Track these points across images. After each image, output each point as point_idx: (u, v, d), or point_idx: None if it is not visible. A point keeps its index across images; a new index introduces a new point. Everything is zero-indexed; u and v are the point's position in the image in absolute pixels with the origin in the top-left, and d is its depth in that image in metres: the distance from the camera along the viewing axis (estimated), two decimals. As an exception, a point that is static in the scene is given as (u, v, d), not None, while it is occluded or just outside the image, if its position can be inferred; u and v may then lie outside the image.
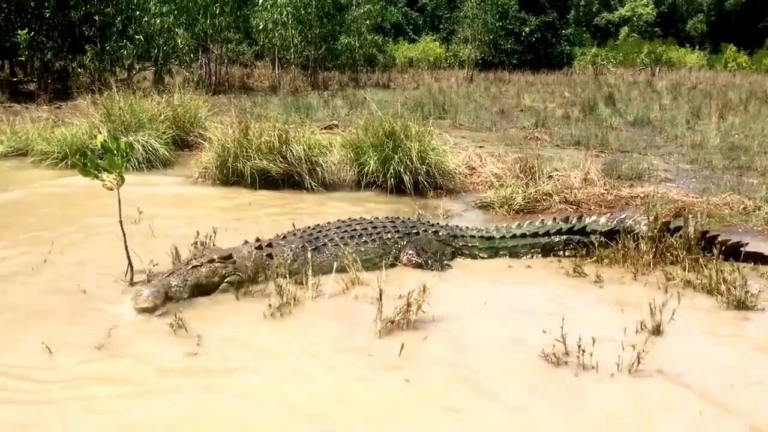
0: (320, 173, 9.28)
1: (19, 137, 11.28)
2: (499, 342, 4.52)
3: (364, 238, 5.89)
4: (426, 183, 8.94)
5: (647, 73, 34.48)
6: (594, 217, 6.50)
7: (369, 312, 4.71)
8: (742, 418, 3.68)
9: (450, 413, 3.67)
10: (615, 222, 6.31)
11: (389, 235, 5.99)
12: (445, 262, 6.07)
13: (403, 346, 4.26)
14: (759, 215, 7.37)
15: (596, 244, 6.13)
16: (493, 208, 8.16)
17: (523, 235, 6.33)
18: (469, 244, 6.27)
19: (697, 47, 49.85)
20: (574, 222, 6.36)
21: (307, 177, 9.13)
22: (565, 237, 6.29)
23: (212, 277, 5.01)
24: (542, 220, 6.61)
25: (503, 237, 6.32)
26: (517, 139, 13.14)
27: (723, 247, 5.86)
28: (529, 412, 3.71)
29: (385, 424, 3.57)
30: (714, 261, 5.64)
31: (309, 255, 5.37)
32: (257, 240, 5.66)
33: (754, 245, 6.45)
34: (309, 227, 6.04)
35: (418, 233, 6.15)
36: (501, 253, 6.25)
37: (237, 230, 6.80)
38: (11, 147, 11.17)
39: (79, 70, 18.69)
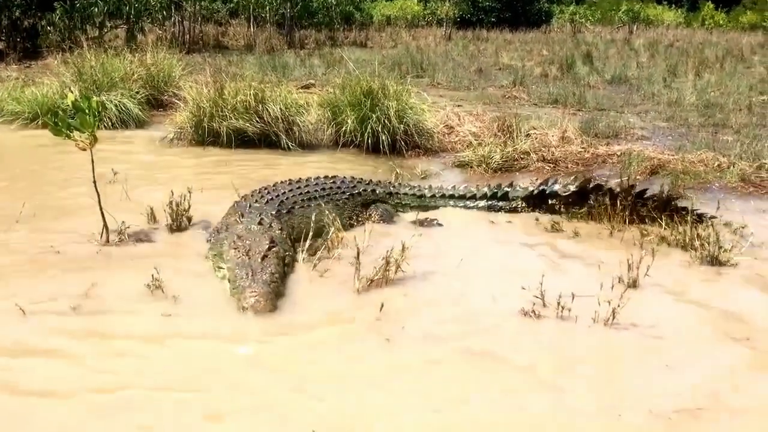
0: (297, 133, 9.19)
1: (-13, 97, 11.02)
2: (479, 298, 4.57)
3: (317, 200, 5.88)
4: (404, 142, 8.89)
5: (625, 31, 34.34)
6: (520, 184, 6.69)
7: (351, 271, 4.71)
8: (707, 369, 3.77)
9: (429, 365, 3.71)
10: (536, 187, 6.48)
11: (338, 196, 6.11)
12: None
13: (383, 305, 4.28)
14: (733, 172, 7.43)
15: (519, 210, 6.43)
16: (471, 167, 8.15)
17: (451, 197, 6.65)
18: (403, 201, 6.57)
19: (674, 5, 49.64)
20: (496, 189, 6.59)
21: (284, 137, 9.04)
22: (488, 202, 6.55)
23: (279, 264, 4.71)
24: (493, 186, 6.72)
25: (433, 196, 6.65)
26: (495, 98, 13.08)
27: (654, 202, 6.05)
28: (508, 365, 3.76)
29: (366, 382, 3.60)
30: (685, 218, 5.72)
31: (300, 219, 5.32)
32: (242, 215, 5.37)
33: (728, 202, 6.55)
34: (257, 191, 5.91)
35: (360, 193, 6.32)
36: (430, 210, 6.50)
37: (213, 191, 6.74)
38: (-21, 107, 10.91)
39: (48, 28, 18.21)
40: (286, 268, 4.81)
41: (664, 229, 5.70)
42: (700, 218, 5.97)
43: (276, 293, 4.39)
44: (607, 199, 6.09)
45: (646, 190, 6.17)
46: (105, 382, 3.49)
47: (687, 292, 4.79)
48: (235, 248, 4.76)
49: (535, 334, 4.10)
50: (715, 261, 5.17)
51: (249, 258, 4.62)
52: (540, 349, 3.95)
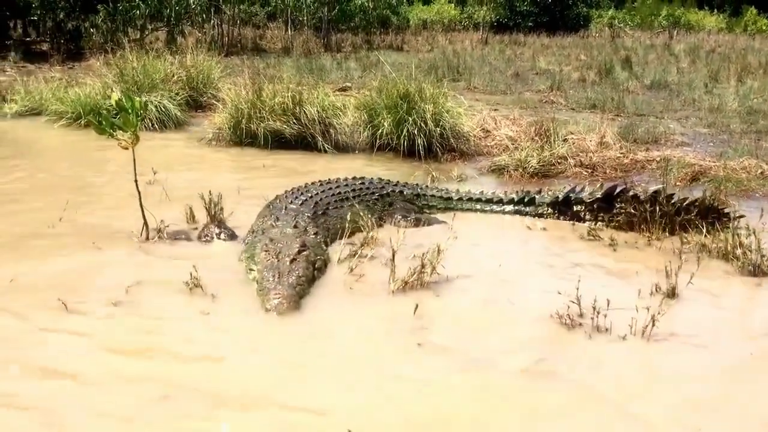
0: (333, 135, 9.25)
1: (33, 97, 11.34)
2: (513, 303, 4.52)
3: (349, 201, 5.96)
4: (440, 146, 8.87)
5: (665, 36, 33.85)
6: (545, 191, 6.66)
7: (385, 273, 4.71)
8: (752, 384, 3.68)
9: (464, 369, 3.69)
10: (561, 193, 6.43)
11: (368, 197, 6.20)
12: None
13: (417, 306, 4.28)
14: (777, 180, 7.28)
15: (545, 216, 6.44)
16: (507, 172, 8.10)
17: (478, 200, 6.67)
18: (430, 204, 6.61)
19: (716, 10, 48.78)
20: (523, 194, 6.60)
21: (320, 139, 9.10)
22: (515, 207, 6.56)
23: (308, 267, 4.77)
24: (520, 191, 6.75)
25: (460, 199, 6.69)
26: (532, 102, 13.00)
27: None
28: (541, 373, 3.73)
29: (398, 384, 3.60)
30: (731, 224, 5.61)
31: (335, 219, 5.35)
32: (276, 218, 5.41)
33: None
34: (289, 192, 5.98)
35: (388, 194, 6.39)
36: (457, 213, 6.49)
37: (251, 191, 6.82)
38: (25, 107, 11.24)
39: (91, 30, 18.60)
40: (316, 272, 4.84)
41: (705, 236, 5.59)
42: (726, 216, 5.89)
43: (300, 295, 4.44)
44: (632, 207, 6.00)
45: (673, 195, 6.06)
46: (144, 378, 3.55)
47: (727, 302, 4.70)
48: (266, 251, 4.83)
49: (569, 342, 4.06)
50: (758, 270, 5.05)
51: (278, 261, 4.69)
52: (575, 358, 3.91)
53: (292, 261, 4.68)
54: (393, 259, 4.64)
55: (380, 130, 9.02)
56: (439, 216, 6.42)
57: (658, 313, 4.02)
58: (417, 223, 6.16)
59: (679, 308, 4.43)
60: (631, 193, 6.12)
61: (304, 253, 4.82)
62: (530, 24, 34.78)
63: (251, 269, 4.82)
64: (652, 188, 6.20)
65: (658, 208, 5.87)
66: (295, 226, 5.19)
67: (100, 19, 18.47)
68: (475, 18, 36.15)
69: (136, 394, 3.40)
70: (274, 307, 4.26)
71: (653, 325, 4.02)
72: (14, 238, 5.55)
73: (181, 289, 4.54)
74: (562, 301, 4.27)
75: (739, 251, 5.19)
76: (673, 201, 5.93)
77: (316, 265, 4.88)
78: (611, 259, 5.45)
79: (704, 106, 12.48)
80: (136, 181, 5.44)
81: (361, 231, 5.48)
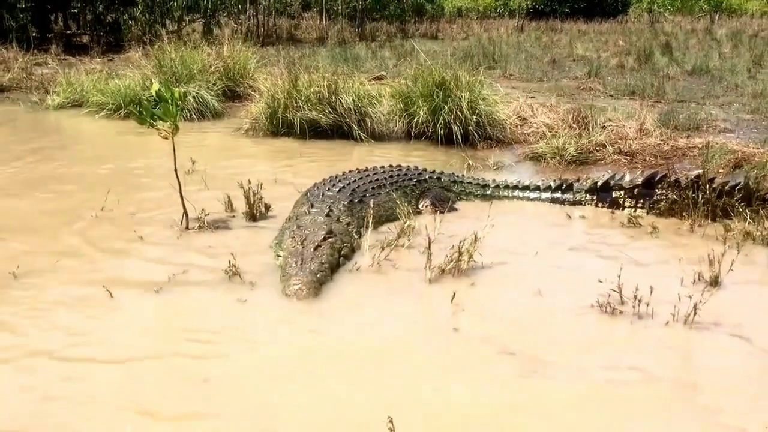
0: (369, 124, 9.26)
1: (74, 89, 11.56)
2: (554, 292, 4.49)
3: (387, 188, 5.99)
4: (476, 134, 8.82)
5: (706, 21, 33.10)
6: (584, 178, 6.58)
7: (422, 261, 4.72)
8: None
9: (504, 356, 3.68)
10: (601, 180, 6.34)
11: (405, 183, 6.21)
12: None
13: (454, 294, 4.27)
14: (824, 166, 7.07)
15: (584, 203, 6.40)
16: (544, 159, 8.02)
17: (515, 187, 6.67)
18: (467, 190, 6.60)
19: (760, -7, 47.53)
20: (561, 181, 6.56)
21: (356, 127, 9.12)
22: (552, 194, 6.52)
23: (333, 254, 4.81)
24: (558, 178, 6.72)
25: (497, 186, 6.69)
26: (570, 90, 12.83)
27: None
28: (581, 361, 3.70)
29: (436, 372, 3.60)
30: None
31: (370, 208, 5.35)
32: (312, 205, 5.43)
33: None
34: (327, 180, 5.99)
35: (425, 180, 6.40)
36: (494, 201, 6.49)
37: (288, 180, 6.87)
38: (67, 98, 11.46)
39: (130, 22, 18.88)
40: (342, 258, 4.87)
41: (749, 224, 5.47)
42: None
43: (321, 282, 4.47)
44: (673, 192, 5.91)
45: (713, 179, 5.95)
46: (184, 364, 3.61)
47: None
48: (292, 237, 4.89)
49: (610, 331, 4.01)
50: (803, 258, 4.94)
51: (303, 247, 4.73)
52: (616, 346, 3.87)
53: (316, 248, 4.72)
54: (429, 247, 4.63)
55: (416, 119, 9.01)
56: (477, 203, 6.39)
57: (701, 302, 3.96)
58: (446, 205, 6.18)
59: (722, 296, 4.35)
60: (672, 178, 6.02)
61: (330, 240, 4.86)
62: (567, 10, 34.32)
63: (278, 255, 4.89)
64: (694, 172, 6.09)
65: (699, 194, 5.76)
66: (328, 215, 5.22)
67: (139, 12, 18.76)
68: (510, 5, 35.81)
69: (176, 377, 3.47)
70: (294, 293, 4.32)
71: (695, 313, 3.95)
72: (57, 226, 5.68)
73: (221, 277, 4.60)
74: (603, 290, 4.22)
75: (784, 239, 5.08)
76: (714, 186, 5.82)
77: (342, 252, 4.91)
78: (652, 246, 5.38)
79: (747, 92, 12.19)
80: (176, 170, 5.52)
81: (398, 219, 5.49)
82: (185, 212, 5.53)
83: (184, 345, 3.81)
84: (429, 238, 4.67)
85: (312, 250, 4.70)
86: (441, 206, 6.12)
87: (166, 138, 5.42)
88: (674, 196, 5.93)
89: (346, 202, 5.52)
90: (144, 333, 3.94)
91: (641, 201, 6.14)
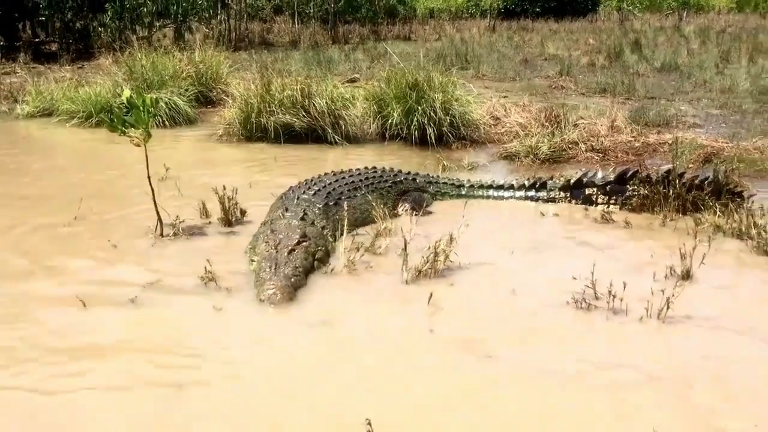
0: (344, 126, 9.26)
1: (44, 97, 11.40)
2: (528, 290, 4.52)
3: (363, 190, 6.00)
4: (450, 134, 8.86)
5: (674, 18, 33.55)
6: (557, 177, 6.69)
7: (398, 263, 4.73)
8: (762, 367, 3.68)
9: (481, 357, 3.70)
10: (574, 177, 6.44)
11: (381, 185, 6.23)
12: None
13: (431, 295, 4.29)
14: (791, 159, 7.23)
15: (557, 200, 6.47)
16: (518, 158, 8.09)
17: (490, 186, 6.72)
18: (442, 191, 6.65)
19: (726, -11, 48.29)
20: (535, 179, 6.65)
21: (331, 131, 9.11)
22: (526, 193, 6.60)
23: (307, 258, 4.80)
24: (532, 177, 6.82)
25: (471, 186, 6.75)
26: (542, 88, 12.94)
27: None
28: (557, 357, 3.74)
29: (414, 374, 3.62)
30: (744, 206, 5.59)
31: (345, 210, 5.34)
32: (286, 209, 5.41)
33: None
34: (303, 183, 6.00)
35: (401, 181, 6.42)
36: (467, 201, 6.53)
37: (263, 185, 6.85)
38: (37, 107, 11.30)
39: (99, 29, 18.68)
40: (316, 262, 4.86)
41: (719, 217, 5.56)
42: (740, 196, 5.89)
43: (296, 287, 4.45)
44: (645, 188, 6.00)
45: (683, 174, 6.07)
46: (159, 375, 3.58)
47: (742, 283, 4.68)
48: (266, 242, 4.87)
49: (587, 327, 4.06)
50: (772, 250, 5.04)
51: (277, 252, 4.72)
52: (592, 343, 3.92)
53: (290, 252, 4.71)
54: (405, 249, 4.65)
55: (390, 121, 9.03)
56: (452, 204, 6.43)
57: (673, 296, 4.01)
58: (422, 206, 6.25)
59: (694, 289, 4.42)
60: (644, 174, 6.12)
61: (304, 243, 4.86)
62: (538, 9, 34.55)
63: (252, 260, 4.86)
64: (664, 167, 6.18)
65: (670, 188, 5.85)
66: (303, 218, 5.21)
67: (108, 18, 18.55)
68: (482, 5, 36.00)
69: (149, 392, 3.43)
70: (268, 298, 4.30)
71: (668, 307, 4.01)
72: (28, 234, 5.61)
73: (196, 284, 4.57)
74: (578, 286, 4.27)
75: (753, 231, 5.17)
76: (684, 180, 5.92)
77: (317, 256, 4.90)
78: (625, 241, 5.45)
79: (716, 87, 12.39)
80: (149, 177, 5.47)
81: (375, 221, 5.50)
82: (159, 219, 5.49)
83: (158, 353, 3.78)
84: (405, 239, 4.68)
85: (286, 254, 4.68)
86: (418, 208, 6.15)
87: (139, 145, 5.37)
88: (646, 192, 6.02)
89: (321, 205, 5.51)
90: (118, 341, 3.91)
91: (614, 197, 6.22)
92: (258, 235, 5.17)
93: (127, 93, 5.28)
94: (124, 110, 5.36)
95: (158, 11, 19.61)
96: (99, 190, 6.96)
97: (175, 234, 5.47)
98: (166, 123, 10.24)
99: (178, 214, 5.59)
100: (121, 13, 18.76)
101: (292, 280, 4.47)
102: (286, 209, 5.38)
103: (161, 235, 5.47)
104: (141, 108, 5.22)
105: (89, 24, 19.16)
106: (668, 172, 6.01)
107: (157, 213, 5.47)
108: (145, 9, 19.04)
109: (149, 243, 5.39)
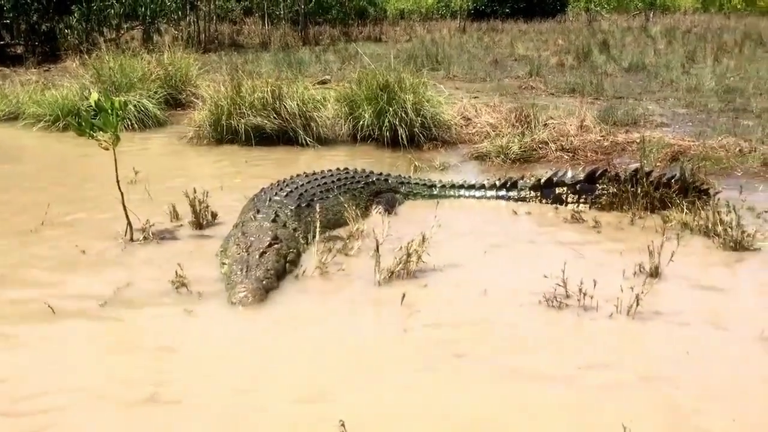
0: (315, 128, 9.23)
1: (9, 101, 11.23)
2: (500, 288, 4.56)
3: (335, 191, 6.00)
4: (421, 135, 8.88)
5: (641, 19, 34.01)
6: (527, 176, 6.78)
7: (371, 264, 4.73)
8: (731, 361, 3.74)
9: (454, 357, 3.72)
10: (544, 177, 6.51)
11: (353, 185, 6.24)
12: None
13: (404, 295, 4.30)
14: (755, 157, 7.37)
15: (528, 199, 6.52)
16: (489, 159, 8.13)
17: (461, 186, 6.78)
18: (414, 191, 6.68)
19: (691, -10, 49.13)
20: (506, 179, 6.71)
21: (302, 132, 9.08)
22: (498, 192, 6.66)
23: (279, 260, 4.78)
24: (503, 177, 6.87)
25: (443, 186, 6.79)
26: (512, 89, 13.03)
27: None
28: (530, 355, 3.77)
29: (388, 374, 3.62)
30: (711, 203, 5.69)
31: (317, 212, 5.32)
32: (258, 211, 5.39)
33: (751, 187, 6.50)
34: (275, 184, 5.98)
35: (374, 182, 6.46)
36: (440, 200, 6.56)
37: (234, 188, 6.81)
38: (2, 111, 11.12)
39: (66, 31, 18.39)
40: (288, 264, 4.85)
41: (686, 214, 5.66)
42: (706, 194, 6.00)
43: (267, 289, 4.44)
44: (614, 187, 6.09)
45: (650, 172, 6.15)
46: (130, 379, 3.54)
47: (709, 279, 4.76)
48: (237, 244, 4.84)
49: (558, 325, 4.10)
50: (738, 246, 5.13)
51: (248, 254, 4.69)
52: (564, 340, 3.96)
53: (261, 254, 4.69)
54: (377, 249, 4.65)
55: (361, 122, 9.02)
56: (424, 204, 6.45)
57: (642, 293, 4.07)
58: (395, 206, 6.32)
59: (663, 286, 4.49)
60: (612, 173, 6.20)
61: (275, 246, 4.84)
62: (507, 10, 34.78)
63: (223, 263, 4.83)
64: (632, 166, 6.27)
65: (639, 187, 5.94)
66: (274, 220, 5.19)
67: (75, 20, 18.26)
68: (452, 6, 36.11)
69: (119, 396, 3.39)
70: (239, 300, 4.28)
71: (638, 304, 4.07)
72: (-3, 243, 5.52)
73: (167, 288, 4.53)
74: (549, 285, 4.31)
75: (719, 228, 5.26)
76: (651, 179, 6.01)
77: (288, 258, 4.89)
78: (596, 240, 5.51)
79: (682, 87, 12.58)
80: (118, 181, 5.41)
81: (348, 223, 5.50)
82: (129, 223, 5.43)
83: (129, 358, 3.74)
84: (377, 240, 4.69)
85: (257, 256, 4.66)
86: (391, 209, 6.18)
87: (107, 149, 5.31)
88: (615, 190, 6.10)
89: (293, 207, 5.49)
90: (88, 347, 3.86)
91: (583, 196, 6.29)
92: (229, 238, 5.14)
93: (94, 96, 5.22)
94: (92, 113, 5.29)
95: (126, 13, 19.36)
96: (67, 194, 6.86)
97: (145, 238, 5.41)
98: (135, 126, 10.12)
99: (148, 218, 5.53)
100: (88, 15, 18.49)
101: (264, 282, 4.45)
102: (258, 211, 5.35)
103: (131, 239, 5.41)
104: (109, 111, 5.16)
105: (55, 26, 18.84)
106: (636, 170, 6.10)
107: (127, 217, 5.41)
108: (112, 11, 18.78)
109: (119, 247, 5.33)
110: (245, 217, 5.38)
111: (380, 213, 6.10)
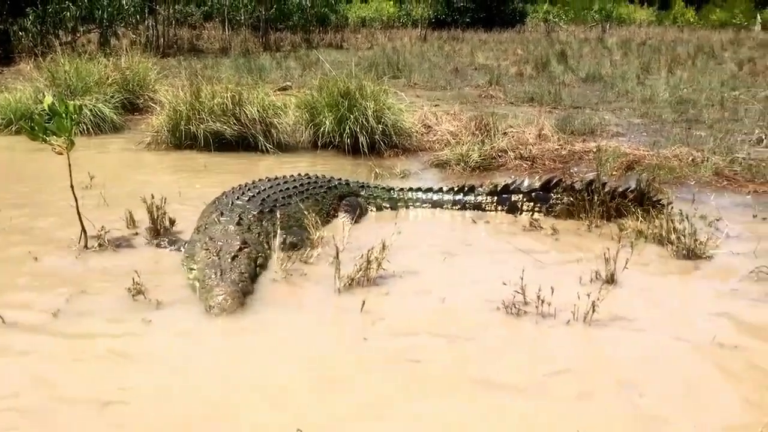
0: (275, 135, 9.18)
1: (-41, 104, 10.87)
2: (459, 296, 4.58)
3: (297, 197, 5.98)
4: (382, 143, 8.90)
5: (598, 30, 34.71)
6: (486, 184, 6.82)
7: (331, 271, 4.71)
8: (687, 367, 3.82)
9: (412, 364, 3.72)
10: (499, 184, 6.63)
11: (316, 191, 6.23)
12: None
13: (364, 303, 4.29)
14: (707, 166, 7.55)
15: (484, 207, 6.58)
16: (449, 166, 8.19)
17: (418, 189, 6.83)
18: (374, 194, 6.76)
19: (646, 3, 50.30)
20: (463, 185, 6.77)
21: (262, 139, 9.02)
22: (454, 197, 6.71)
23: (250, 264, 4.72)
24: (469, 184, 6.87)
25: (401, 190, 6.84)
26: (472, 97, 13.16)
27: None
28: (490, 362, 3.79)
29: (346, 383, 3.61)
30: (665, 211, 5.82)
31: (278, 219, 5.27)
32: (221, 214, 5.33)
33: (703, 196, 6.66)
34: (236, 188, 5.92)
35: (335, 186, 6.48)
36: (399, 204, 6.74)
37: (192, 194, 6.73)
38: (-49, 115, 10.76)
39: (20, 33, 18.00)
40: (258, 268, 4.81)
41: (641, 223, 5.77)
42: (659, 204, 6.13)
43: (244, 292, 4.38)
44: (568, 196, 6.21)
45: (605, 184, 6.26)
46: (84, 389, 3.46)
47: (663, 286, 4.86)
48: (206, 249, 4.76)
49: (516, 332, 4.13)
50: (691, 254, 5.24)
51: (219, 258, 4.62)
52: (521, 347, 3.99)
53: (233, 258, 4.62)
54: (337, 256, 4.63)
55: (322, 129, 9.01)
56: (385, 213, 6.50)
57: (598, 299, 4.13)
58: (360, 211, 6.35)
59: (619, 293, 4.56)
60: (567, 183, 6.30)
61: (246, 250, 4.78)
62: (467, 20, 35.17)
63: (191, 268, 4.74)
64: (590, 176, 6.38)
65: (595, 196, 6.04)
66: (239, 223, 5.13)
67: (29, 22, 17.89)
68: (413, 15, 36.34)
69: (72, 407, 3.31)
70: (218, 304, 4.18)
71: (594, 311, 4.12)
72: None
73: (123, 296, 4.44)
74: (508, 292, 4.34)
75: (673, 236, 5.37)
76: (606, 190, 6.13)
77: (258, 262, 4.84)
78: (553, 247, 5.58)
79: (637, 97, 12.86)
80: (72, 187, 5.29)
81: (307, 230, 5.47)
82: (83, 230, 5.31)
83: (83, 367, 3.65)
84: (337, 247, 4.67)
85: (229, 260, 4.59)
86: (356, 215, 6.22)
87: (61, 153, 5.19)
88: (570, 200, 6.20)
89: (256, 212, 5.44)
90: (40, 357, 3.76)
91: (539, 204, 6.38)
92: (194, 242, 5.05)
93: (48, 99, 5.10)
94: (46, 117, 5.17)
95: (82, 16, 19.05)
96: (19, 200, 6.69)
97: (100, 245, 5.30)
98: (91, 130, 9.92)
99: (103, 224, 5.41)
100: (44, 17, 18.14)
101: (240, 285, 4.38)
102: (222, 214, 5.28)
103: (85, 246, 5.29)
104: (63, 115, 5.04)
105: (9, 28, 18.43)
106: (591, 181, 6.21)
107: (81, 224, 5.29)
108: (68, 13, 18.45)
109: (72, 255, 5.20)
110: (209, 220, 5.29)
111: (346, 220, 6.09)
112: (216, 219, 5.22)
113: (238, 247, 4.75)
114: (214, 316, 4.16)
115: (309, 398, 3.41)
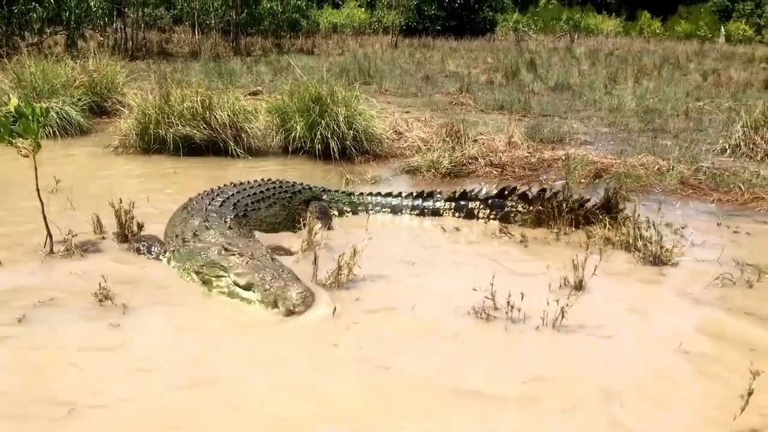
0: (246, 139, 9.14)
1: None
2: (430, 301, 4.59)
3: (266, 201, 6.00)
4: (353, 148, 8.92)
5: (567, 40, 35.17)
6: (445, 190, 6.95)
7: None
8: (654, 373, 3.88)
9: (381, 370, 3.72)
10: (457, 190, 6.71)
11: (282, 196, 6.25)
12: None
13: (335, 309, 4.28)
14: (672, 175, 7.70)
15: (442, 212, 6.66)
16: (420, 173, 8.22)
17: (378, 194, 6.89)
18: (335, 198, 6.79)
19: (613, 14, 51.10)
20: (422, 191, 6.84)
21: (232, 143, 8.97)
22: (414, 202, 6.77)
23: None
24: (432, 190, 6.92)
25: (361, 194, 6.93)
26: (443, 104, 13.24)
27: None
28: (460, 366, 3.80)
29: (316, 388, 3.60)
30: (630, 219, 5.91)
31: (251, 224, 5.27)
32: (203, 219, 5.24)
33: (669, 204, 6.78)
34: (204, 194, 5.88)
35: (300, 191, 6.50)
36: (359, 209, 6.78)
37: (161, 199, 6.66)
38: None
39: (-16, 34, 17.68)
40: None
41: (608, 230, 5.85)
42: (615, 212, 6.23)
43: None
44: (521, 205, 6.34)
45: (557, 193, 6.35)
46: (50, 396, 3.41)
47: (630, 292, 4.94)
48: (239, 254, 4.60)
49: (486, 337, 4.16)
50: (657, 261, 5.33)
51: (259, 261, 4.54)
52: (491, 353, 4.02)
53: (273, 258, 4.64)
54: (315, 262, 4.64)
55: (293, 134, 8.99)
56: (354, 219, 6.50)
57: (567, 305, 4.18)
58: (326, 215, 6.37)
59: (587, 299, 4.61)
60: (521, 191, 6.40)
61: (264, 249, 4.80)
62: (438, 28, 35.42)
63: (219, 276, 4.57)
64: (558, 183, 6.45)
65: (564, 204, 6.12)
66: (230, 228, 5.13)
67: (-6, 23, 17.58)
68: (384, 22, 36.53)
69: (37, 414, 3.25)
70: (303, 300, 4.24)
71: (563, 317, 4.17)
72: None
73: (91, 302, 4.38)
74: (478, 298, 4.37)
75: (639, 243, 5.46)
76: (560, 198, 6.23)
77: None
78: (523, 254, 5.63)
79: (604, 106, 13.06)
80: (38, 190, 5.20)
81: (277, 233, 5.47)
82: (49, 234, 5.22)
83: (49, 373, 3.59)
84: (315, 254, 4.68)
85: (270, 260, 4.60)
86: (326, 219, 6.24)
87: (27, 156, 5.10)
88: (525, 208, 6.28)
89: (232, 216, 5.42)
90: (5, 364, 3.68)
91: (494, 212, 6.46)
92: (197, 251, 4.82)
93: (14, 101, 5.02)
94: (11, 119, 5.08)
95: (49, 17, 18.76)
96: (-18, 203, 6.56)
97: (66, 250, 5.21)
98: (57, 133, 9.78)
99: (70, 228, 5.32)
100: (9, 17, 17.82)
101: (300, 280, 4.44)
102: (206, 219, 5.21)
103: (51, 251, 5.20)
104: (30, 117, 4.96)
105: (-27, 29, 18.10)
106: (543, 190, 6.35)
107: (47, 228, 5.20)
108: (34, 14, 18.16)
109: (38, 260, 5.11)
110: (192, 225, 5.15)
111: (317, 225, 6.07)
112: (205, 226, 5.11)
113: (265, 248, 4.76)
114: (298, 314, 4.21)
115: (277, 404, 3.40)
